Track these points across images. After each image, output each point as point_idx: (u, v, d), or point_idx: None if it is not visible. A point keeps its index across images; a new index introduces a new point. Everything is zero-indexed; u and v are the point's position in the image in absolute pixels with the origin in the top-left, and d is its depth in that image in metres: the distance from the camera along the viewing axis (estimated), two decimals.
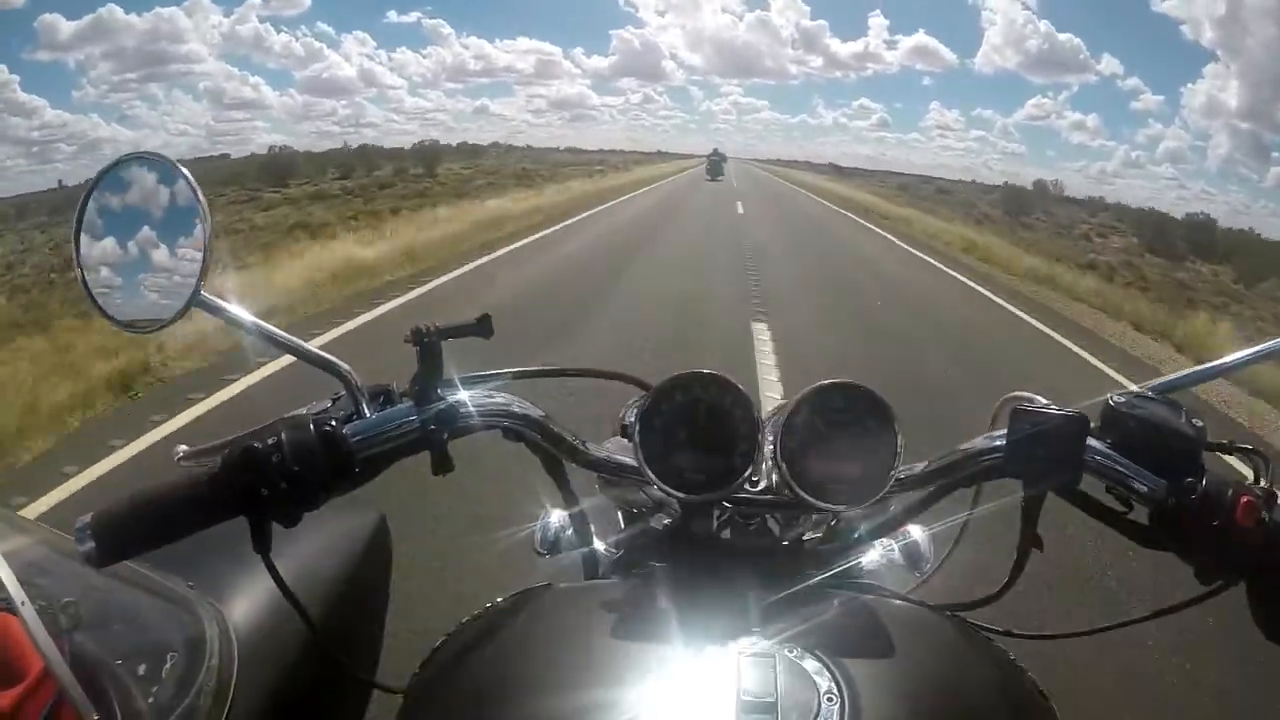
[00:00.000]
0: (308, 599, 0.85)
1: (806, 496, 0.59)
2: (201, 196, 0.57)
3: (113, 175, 0.61)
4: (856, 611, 0.55)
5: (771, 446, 0.60)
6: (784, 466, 0.59)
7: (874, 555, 0.79)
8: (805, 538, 0.66)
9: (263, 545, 0.56)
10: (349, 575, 0.87)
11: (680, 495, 0.60)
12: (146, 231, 0.60)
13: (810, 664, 0.47)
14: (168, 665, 0.66)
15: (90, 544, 0.52)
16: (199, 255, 0.58)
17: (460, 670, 0.55)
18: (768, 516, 0.65)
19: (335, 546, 0.88)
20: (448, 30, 45.46)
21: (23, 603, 0.53)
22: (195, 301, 0.58)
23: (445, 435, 0.60)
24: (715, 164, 30.97)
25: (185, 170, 0.58)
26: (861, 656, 0.49)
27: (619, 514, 0.79)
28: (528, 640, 0.55)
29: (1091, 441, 0.56)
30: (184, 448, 0.68)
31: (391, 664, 0.83)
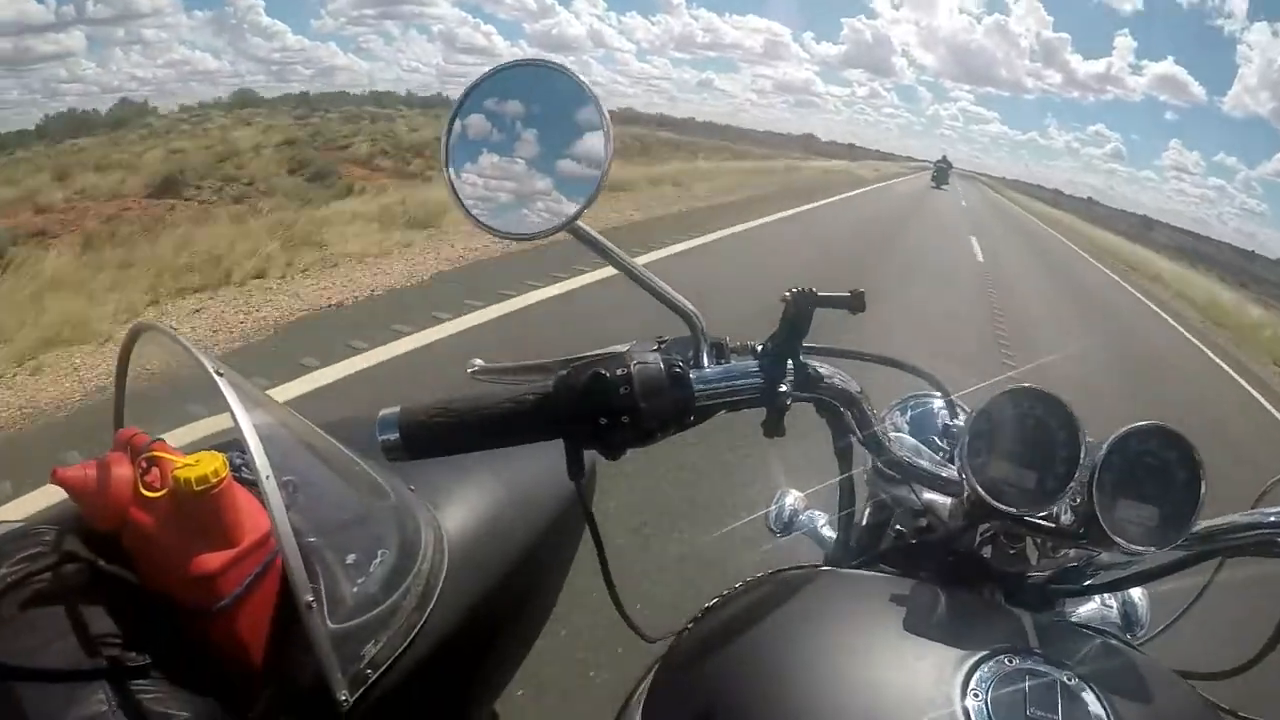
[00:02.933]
0: (520, 525, 0.83)
1: (1110, 533, 0.57)
2: (606, 116, 0.53)
3: (498, 80, 0.58)
4: (1120, 655, 0.54)
5: (1090, 477, 0.58)
6: (1095, 498, 0.57)
7: (1091, 608, 0.76)
8: (1040, 572, 0.64)
9: (579, 472, 0.55)
10: (559, 510, 0.87)
11: (1001, 507, 0.59)
12: (530, 146, 0.57)
13: (1089, 697, 0.46)
14: (377, 560, 0.67)
15: (394, 435, 0.53)
16: (590, 174, 0.54)
17: (729, 634, 0.55)
18: (1031, 541, 0.63)
19: (551, 479, 0.84)
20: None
21: (267, 476, 0.55)
22: (569, 226, 0.54)
23: (789, 400, 0.60)
24: (941, 172, 29.75)
25: (590, 87, 0.54)
26: (1135, 701, 0.48)
27: (865, 506, 0.77)
28: (800, 619, 0.55)
29: None
30: (479, 361, 0.69)
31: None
